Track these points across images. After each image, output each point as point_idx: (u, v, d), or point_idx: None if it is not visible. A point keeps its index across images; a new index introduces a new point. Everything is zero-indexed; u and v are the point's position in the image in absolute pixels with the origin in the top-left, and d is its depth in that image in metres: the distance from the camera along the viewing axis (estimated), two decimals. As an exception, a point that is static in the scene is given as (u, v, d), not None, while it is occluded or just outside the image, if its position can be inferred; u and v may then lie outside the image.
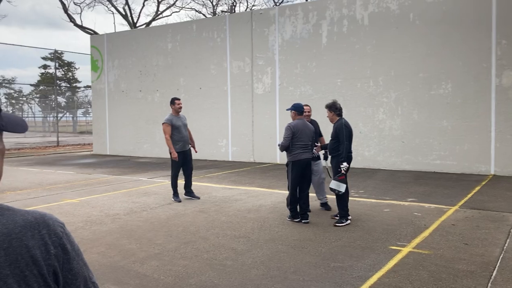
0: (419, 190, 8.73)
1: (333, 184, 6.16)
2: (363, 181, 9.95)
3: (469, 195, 8.13)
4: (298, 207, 6.41)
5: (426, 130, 11.47)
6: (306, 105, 7.11)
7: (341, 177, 6.13)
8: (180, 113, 8.18)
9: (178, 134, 7.94)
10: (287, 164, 6.49)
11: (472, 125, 10.91)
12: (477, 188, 8.85)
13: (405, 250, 5.00)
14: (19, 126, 0.97)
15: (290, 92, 13.50)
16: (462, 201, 7.57)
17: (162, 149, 15.26)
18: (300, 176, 6.34)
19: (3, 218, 0.91)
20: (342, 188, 6.10)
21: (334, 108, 6.36)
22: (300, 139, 6.28)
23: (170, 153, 7.89)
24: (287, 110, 6.89)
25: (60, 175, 11.73)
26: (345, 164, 6.15)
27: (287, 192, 8.29)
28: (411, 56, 11.59)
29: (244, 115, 14.41)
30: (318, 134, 7.07)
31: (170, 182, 8.36)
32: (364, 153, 12.26)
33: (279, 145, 6.68)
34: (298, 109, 6.47)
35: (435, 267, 4.42)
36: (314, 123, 7.06)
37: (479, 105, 10.83)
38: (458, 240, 5.33)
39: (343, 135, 6.19)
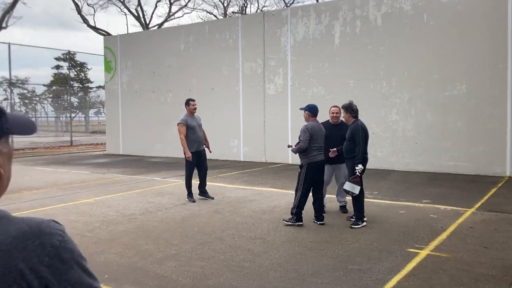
0: (434, 191, 8.66)
1: (347, 185, 6.16)
2: (376, 182, 9.90)
3: (485, 197, 8.04)
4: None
5: (440, 132, 11.38)
6: (335, 106, 6.98)
7: (356, 178, 6.12)
8: (195, 114, 8.22)
9: (193, 134, 7.98)
10: (301, 166, 6.31)
11: (487, 127, 10.79)
12: (493, 190, 8.75)
13: (423, 253, 4.96)
14: (26, 128, 0.93)
15: (302, 92, 13.48)
16: (479, 203, 7.49)
17: (174, 149, 15.31)
18: (315, 178, 6.26)
19: None
20: (356, 190, 6.09)
21: (350, 110, 6.32)
22: (316, 141, 6.19)
23: (185, 153, 7.93)
24: (300, 109, 6.63)
25: (75, 174, 11.84)
26: (360, 166, 6.14)
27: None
28: (425, 57, 11.51)
29: (255, 115, 14.42)
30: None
31: (183, 182, 8.40)
32: (377, 154, 12.19)
33: (289, 146, 6.51)
34: (312, 111, 6.32)
35: (456, 271, 4.38)
36: (345, 125, 6.68)
37: (495, 106, 10.71)
38: (477, 243, 5.28)
39: (359, 137, 6.17)
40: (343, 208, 7.04)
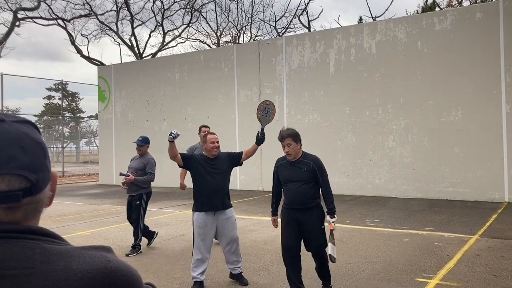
0: (435, 218, 8.57)
1: (331, 248, 4.28)
2: (376, 209, 9.80)
3: (488, 224, 7.97)
4: None
5: (438, 158, 11.38)
6: (212, 133, 5.09)
7: (333, 236, 4.35)
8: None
9: None
10: (140, 197, 6.63)
11: (484, 152, 10.82)
12: (494, 216, 8.69)
13: (432, 282, 4.84)
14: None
15: (298, 120, 13.49)
16: (482, 230, 7.41)
17: (169, 179, 15.15)
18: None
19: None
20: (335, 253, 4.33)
21: (299, 139, 4.46)
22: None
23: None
24: (135, 142, 6.81)
25: (68, 206, 11.59)
26: (336, 217, 4.36)
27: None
28: (420, 84, 11.63)
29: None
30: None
31: (180, 212, 8.22)
32: (375, 181, 12.13)
33: (122, 175, 6.54)
34: (148, 143, 6.80)
35: (468, 300, 4.26)
36: (222, 158, 5.06)
37: (490, 131, 10.78)
38: (485, 271, 5.17)
39: (326, 174, 4.42)
40: (240, 279, 4.90)
